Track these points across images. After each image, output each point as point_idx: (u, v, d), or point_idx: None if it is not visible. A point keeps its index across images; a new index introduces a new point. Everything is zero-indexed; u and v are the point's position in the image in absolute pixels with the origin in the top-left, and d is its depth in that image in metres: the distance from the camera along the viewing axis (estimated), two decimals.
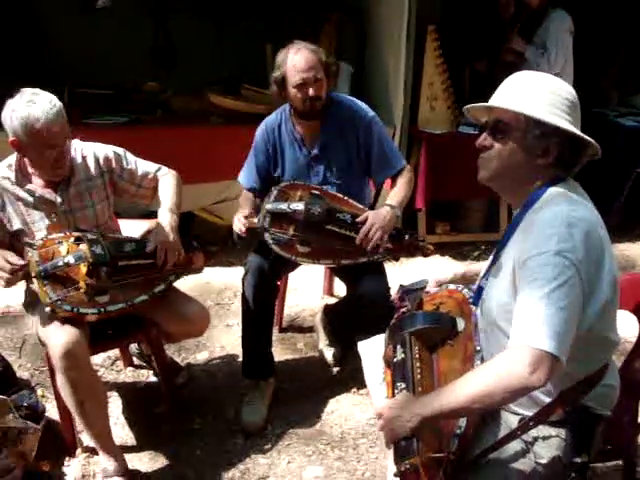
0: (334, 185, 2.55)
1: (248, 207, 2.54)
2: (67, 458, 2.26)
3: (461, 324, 1.57)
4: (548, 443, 1.45)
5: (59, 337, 1.97)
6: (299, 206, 2.36)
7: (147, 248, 2.14)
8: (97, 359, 2.74)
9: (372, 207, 2.67)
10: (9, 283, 1.97)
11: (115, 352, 2.80)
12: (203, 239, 2.42)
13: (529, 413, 1.44)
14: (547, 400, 1.42)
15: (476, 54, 4.21)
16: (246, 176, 2.68)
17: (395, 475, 1.36)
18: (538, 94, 1.42)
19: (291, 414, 2.52)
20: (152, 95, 4.07)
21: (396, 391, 1.47)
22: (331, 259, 2.43)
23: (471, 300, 1.64)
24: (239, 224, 2.42)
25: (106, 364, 2.81)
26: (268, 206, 2.38)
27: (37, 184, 2.13)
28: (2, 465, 1.78)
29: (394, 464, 1.36)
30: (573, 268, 1.29)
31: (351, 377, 2.68)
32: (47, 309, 1.99)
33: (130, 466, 2.19)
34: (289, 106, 2.54)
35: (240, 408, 2.48)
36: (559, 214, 1.35)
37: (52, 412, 2.33)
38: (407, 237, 2.47)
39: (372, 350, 1.88)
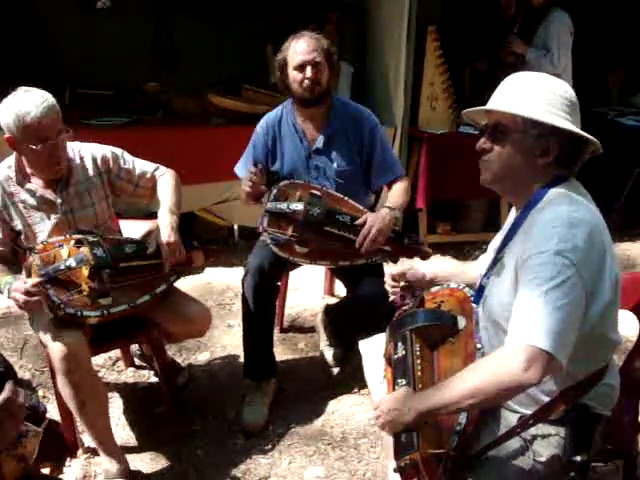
0: (332, 182, 2.55)
1: None
2: (68, 459, 2.27)
3: (462, 322, 1.57)
4: (547, 441, 1.45)
5: (60, 339, 1.98)
6: (298, 206, 2.36)
7: (148, 250, 2.14)
8: (98, 360, 2.74)
9: (372, 209, 2.67)
10: (26, 305, 1.93)
11: (116, 353, 2.81)
12: (203, 239, 2.41)
13: (529, 412, 1.44)
14: (547, 399, 1.43)
15: (476, 54, 4.21)
16: (243, 167, 2.68)
17: (395, 470, 1.36)
18: (535, 95, 1.43)
19: (292, 414, 2.53)
20: (153, 96, 4.08)
21: (396, 387, 1.47)
22: (329, 260, 2.44)
23: (472, 298, 1.64)
24: (247, 182, 2.42)
25: (107, 365, 2.81)
26: (267, 205, 2.38)
27: (37, 184, 2.14)
28: None
29: (394, 459, 1.36)
30: (573, 268, 1.29)
31: (352, 377, 2.68)
32: (50, 313, 1.99)
33: (131, 466, 2.19)
34: (291, 99, 2.54)
35: (241, 408, 2.49)
36: (561, 214, 1.35)
37: (53, 413, 2.33)
38: (406, 240, 2.47)
39: (373, 349, 1.89)
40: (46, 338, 2.05)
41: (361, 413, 2.54)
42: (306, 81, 2.39)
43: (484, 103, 1.52)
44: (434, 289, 1.81)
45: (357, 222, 2.38)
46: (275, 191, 2.45)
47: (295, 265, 2.65)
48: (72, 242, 2.08)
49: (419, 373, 1.48)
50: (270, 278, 2.47)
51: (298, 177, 2.56)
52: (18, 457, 1.93)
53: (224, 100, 3.82)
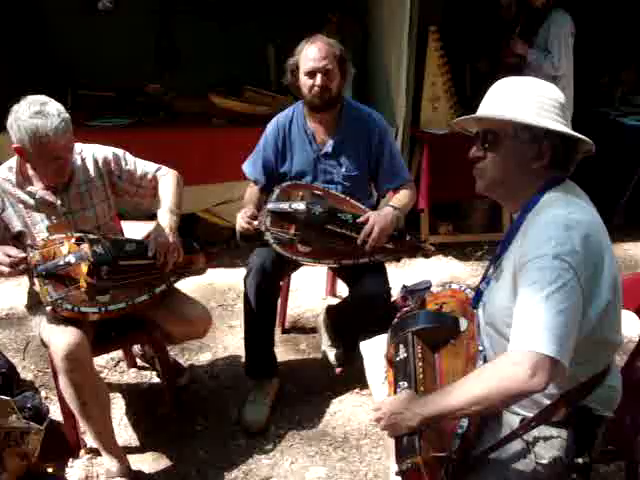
0: (340, 185, 2.56)
1: (253, 205, 2.54)
2: (70, 459, 2.27)
3: (464, 324, 1.57)
4: (549, 444, 1.45)
5: (61, 339, 1.98)
6: (300, 206, 2.37)
7: (149, 252, 2.15)
8: (100, 360, 2.75)
9: (374, 209, 2.67)
10: (10, 275, 1.97)
11: (118, 353, 2.81)
12: (205, 240, 2.41)
13: (530, 414, 1.44)
14: (549, 402, 1.42)
15: (477, 55, 4.21)
16: (252, 167, 2.67)
17: (397, 474, 1.36)
18: (524, 99, 1.42)
19: (294, 415, 2.53)
20: (154, 97, 4.08)
21: (398, 390, 1.47)
22: (332, 259, 2.44)
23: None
24: (242, 222, 2.42)
25: (109, 365, 2.81)
26: (270, 205, 2.39)
27: (38, 186, 2.14)
28: None
29: (396, 463, 1.36)
30: (571, 271, 1.29)
31: (354, 378, 2.68)
32: (48, 309, 2.00)
33: (133, 467, 2.19)
34: (302, 103, 2.54)
35: (242, 407, 2.49)
36: (557, 217, 1.35)
37: (55, 413, 2.34)
38: (408, 238, 2.47)
39: (374, 350, 1.89)
40: (48, 338, 2.05)
41: (363, 414, 2.54)
42: (315, 88, 2.40)
43: None
44: (436, 290, 1.81)
45: (359, 220, 2.38)
46: (277, 191, 2.45)
47: (297, 266, 2.65)
48: (73, 239, 2.09)
49: (420, 375, 1.49)
50: (272, 278, 2.47)
51: (306, 180, 2.57)
52: (21, 455, 1.94)
53: (226, 101, 3.82)
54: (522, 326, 1.30)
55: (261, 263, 2.44)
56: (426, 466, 1.30)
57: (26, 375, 2.74)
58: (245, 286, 2.48)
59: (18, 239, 2.13)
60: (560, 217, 1.35)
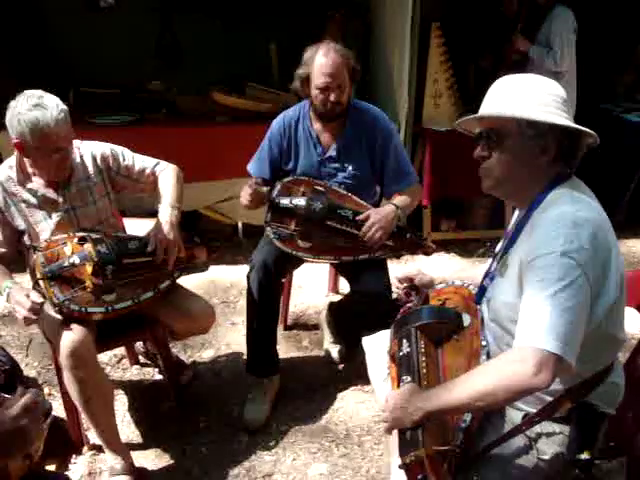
0: (344, 186, 2.54)
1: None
2: (74, 456, 2.28)
3: (467, 319, 1.57)
4: (551, 440, 1.45)
5: (66, 336, 1.99)
6: (301, 201, 2.37)
7: (148, 248, 2.15)
8: (103, 357, 2.76)
9: (376, 207, 2.67)
10: (26, 320, 1.91)
11: (121, 350, 2.82)
12: (207, 235, 2.41)
13: (533, 410, 1.44)
14: (552, 398, 1.42)
15: (480, 51, 4.20)
16: (257, 166, 2.65)
17: (400, 467, 1.36)
18: (525, 96, 1.42)
19: (296, 411, 2.53)
20: (157, 94, 4.08)
21: (401, 384, 1.47)
22: (332, 255, 2.44)
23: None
24: (247, 190, 2.40)
25: (112, 362, 2.82)
26: (270, 200, 2.39)
27: (38, 183, 2.15)
28: None
29: (399, 456, 1.36)
30: (579, 269, 1.28)
31: (356, 374, 2.69)
32: (55, 310, 2.00)
33: (136, 463, 2.20)
34: (309, 103, 2.53)
35: (243, 405, 2.49)
36: (565, 214, 1.35)
37: (59, 410, 2.35)
38: (409, 235, 2.47)
39: (376, 345, 1.89)
40: (52, 335, 2.06)
41: (365, 410, 2.54)
42: (329, 104, 2.39)
43: None
44: (439, 286, 1.81)
45: (359, 218, 2.38)
46: (279, 186, 2.46)
47: (299, 263, 2.65)
48: (75, 239, 2.09)
49: (424, 370, 1.48)
50: (275, 274, 2.47)
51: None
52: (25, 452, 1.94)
53: (228, 98, 3.82)
54: (528, 323, 1.30)
55: (264, 260, 2.44)
56: (429, 460, 1.30)
57: (29, 372, 2.75)
58: (248, 283, 2.48)
59: (21, 238, 2.14)
60: (568, 214, 1.34)
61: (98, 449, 2.27)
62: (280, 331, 2.85)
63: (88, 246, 2.06)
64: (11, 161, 2.15)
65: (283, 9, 4.29)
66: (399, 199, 2.50)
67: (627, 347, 1.95)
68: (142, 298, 2.12)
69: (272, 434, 2.41)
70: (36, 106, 1.95)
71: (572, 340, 1.27)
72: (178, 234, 2.20)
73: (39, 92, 2.01)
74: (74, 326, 2.01)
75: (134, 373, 2.78)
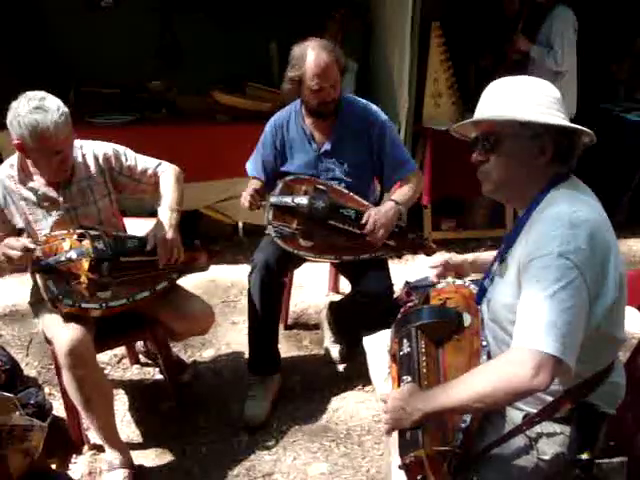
0: (342, 182, 2.55)
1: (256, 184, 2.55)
2: (74, 455, 2.28)
3: (468, 319, 1.56)
4: (552, 440, 1.45)
5: (65, 335, 1.99)
6: (303, 200, 2.37)
7: (147, 247, 2.15)
8: (103, 357, 2.76)
9: (378, 204, 2.67)
10: (20, 260, 1.94)
11: (121, 350, 2.82)
12: (207, 237, 2.42)
13: (534, 410, 1.44)
14: (552, 398, 1.42)
15: (480, 51, 4.20)
16: (253, 166, 2.68)
17: (400, 467, 1.36)
18: (520, 97, 1.42)
19: (296, 411, 2.53)
20: (157, 94, 4.08)
21: (402, 384, 1.47)
22: (334, 254, 2.44)
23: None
24: (247, 196, 2.42)
25: (112, 362, 2.82)
26: (272, 199, 2.39)
27: (39, 182, 2.15)
28: None
29: (399, 456, 1.36)
30: (576, 270, 1.28)
31: (356, 374, 2.69)
32: (48, 304, 2.01)
33: (136, 462, 2.20)
34: (300, 102, 2.53)
35: (243, 403, 2.49)
36: (562, 215, 1.34)
37: (59, 410, 2.35)
38: (410, 235, 2.47)
39: (377, 345, 1.88)
40: (51, 334, 2.06)
41: (365, 410, 2.54)
42: (327, 103, 2.40)
43: None
44: (440, 286, 1.81)
45: (362, 221, 2.38)
46: (281, 185, 2.46)
47: (300, 262, 2.65)
48: (75, 236, 2.09)
49: (424, 370, 1.48)
50: (276, 274, 2.48)
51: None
52: (24, 452, 1.94)
53: (229, 98, 3.82)
54: (526, 324, 1.30)
55: (265, 260, 2.44)
56: (429, 460, 1.30)
57: (29, 372, 2.75)
58: (249, 283, 2.49)
59: (20, 236, 2.14)
60: (565, 215, 1.34)
61: (98, 448, 2.27)
62: (280, 330, 2.84)
63: (86, 242, 2.07)
64: (12, 159, 2.16)
65: (283, 9, 4.29)
66: (399, 194, 2.50)
67: (627, 347, 1.95)
68: (137, 297, 2.12)
69: (272, 433, 2.41)
70: (36, 109, 1.95)
71: (570, 341, 1.27)
72: (177, 236, 2.20)
73: (41, 94, 2.01)
74: (73, 325, 2.01)
75: (134, 373, 2.78)
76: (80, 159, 2.22)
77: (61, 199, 2.16)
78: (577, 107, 3.80)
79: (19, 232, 2.15)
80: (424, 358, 1.51)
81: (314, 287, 3.52)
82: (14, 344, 2.97)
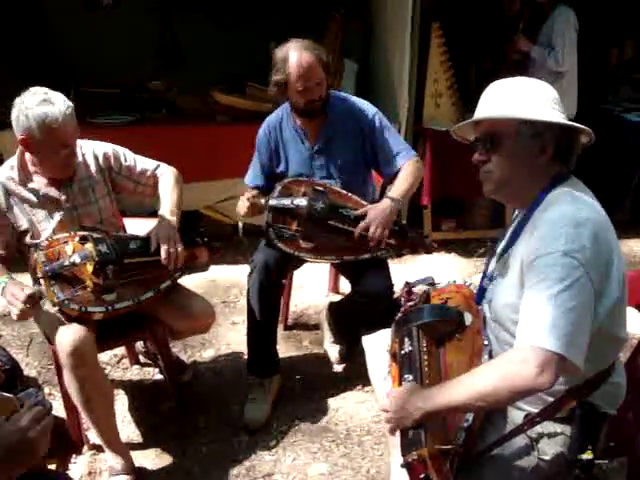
0: (337, 179, 2.55)
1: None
2: (74, 455, 2.28)
3: (469, 318, 1.56)
4: (553, 440, 1.45)
5: (66, 335, 1.99)
6: (302, 202, 2.37)
7: (151, 248, 2.15)
8: (103, 357, 2.75)
9: (379, 200, 2.65)
10: (22, 314, 1.88)
11: (121, 350, 2.81)
12: (207, 235, 2.41)
13: (535, 410, 1.44)
14: (554, 398, 1.42)
15: (481, 51, 4.20)
16: (251, 176, 2.68)
17: (402, 466, 1.36)
18: (519, 96, 1.43)
19: (296, 411, 2.53)
20: (157, 94, 4.08)
21: (403, 383, 1.47)
22: (334, 255, 2.44)
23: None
24: (244, 202, 2.42)
25: (112, 362, 2.82)
26: (272, 202, 2.39)
27: (40, 182, 2.15)
28: None
29: (401, 455, 1.36)
30: (581, 269, 1.28)
31: (356, 374, 2.68)
32: (56, 309, 2.00)
33: (136, 463, 2.20)
34: (289, 103, 2.54)
35: (243, 405, 2.49)
36: (566, 214, 1.34)
37: (59, 410, 2.34)
38: (410, 234, 2.46)
39: (376, 345, 1.89)
40: (52, 334, 2.06)
41: (365, 410, 2.54)
42: (311, 102, 2.40)
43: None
44: (440, 285, 1.81)
45: (357, 213, 2.38)
46: (279, 187, 2.45)
47: (300, 263, 2.65)
48: (77, 239, 2.09)
49: (426, 369, 1.48)
50: (276, 275, 2.48)
51: (304, 177, 2.56)
52: None
53: (229, 98, 3.82)
54: (529, 323, 1.30)
55: (264, 261, 2.44)
56: (431, 459, 1.30)
57: (29, 372, 2.74)
58: (248, 284, 2.48)
59: (22, 238, 2.14)
60: (569, 214, 1.34)
61: (98, 449, 2.26)
62: (280, 331, 2.85)
63: (89, 245, 2.06)
64: (12, 161, 2.15)
65: (283, 9, 4.30)
66: (395, 188, 2.47)
67: (627, 347, 1.95)
68: (142, 298, 2.12)
69: (272, 434, 2.41)
70: (44, 101, 1.96)
71: (576, 340, 1.26)
72: (178, 237, 2.20)
73: (43, 89, 2.02)
74: (74, 325, 2.01)
75: (134, 373, 2.78)
76: (80, 158, 2.22)
77: (63, 198, 2.16)
78: (578, 107, 3.81)
79: (22, 234, 2.15)
80: (425, 357, 1.51)
81: (314, 287, 3.52)
82: (14, 344, 2.97)
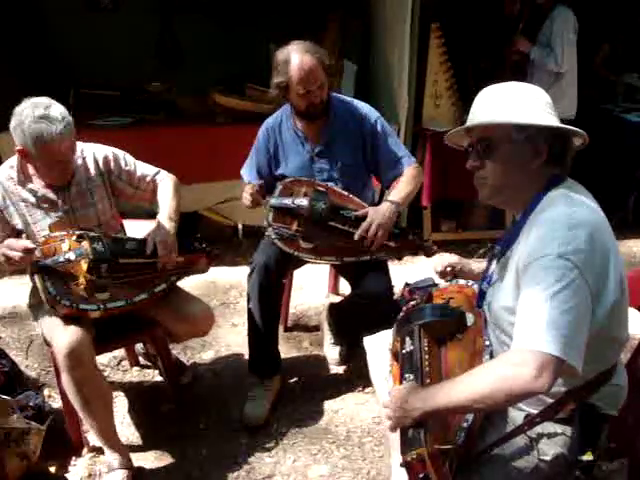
0: (337, 183, 2.55)
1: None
2: (73, 457, 2.27)
3: (470, 319, 1.56)
4: (553, 441, 1.44)
5: (64, 337, 1.98)
6: (303, 202, 2.37)
7: (147, 250, 2.15)
8: (103, 359, 2.75)
9: (377, 203, 2.65)
10: (22, 260, 1.93)
11: (121, 352, 2.81)
12: (207, 239, 2.41)
13: (535, 411, 1.43)
14: (554, 399, 1.42)
15: (480, 52, 4.20)
16: (247, 172, 2.68)
17: (401, 465, 1.35)
18: (511, 101, 1.43)
19: (296, 413, 2.52)
20: (157, 95, 4.08)
21: (404, 382, 1.47)
22: (334, 256, 2.43)
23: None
24: (247, 194, 2.42)
25: (112, 364, 2.82)
26: (272, 201, 2.39)
27: (38, 184, 2.15)
28: None
29: (400, 454, 1.36)
30: (576, 270, 1.27)
31: (356, 376, 2.68)
32: (46, 305, 2.00)
33: (136, 465, 2.20)
34: (290, 105, 2.53)
35: (243, 403, 2.49)
36: (560, 216, 1.34)
37: (59, 412, 2.34)
38: (411, 236, 2.46)
39: (377, 345, 1.89)
40: (50, 336, 2.06)
41: (365, 412, 2.53)
42: (312, 105, 2.40)
43: None
44: (442, 285, 1.81)
45: (357, 214, 2.37)
46: (280, 187, 2.45)
47: (300, 263, 2.65)
48: (74, 237, 2.09)
49: (427, 368, 1.48)
50: (276, 276, 2.47)
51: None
52: (21, 455, 1.94)
53: (228, 99, 3.82)
54: (526, 325, 1.29)
55: (264, 261, 2.44)
56: (431, 458, 1.29)
57: (29, 374, 2.74)
58: (248, 284, 2.48)
59: (19, 237, 2.14)
60: (564, 216, 1.34)
61: (98, 451, 2.26)
62: (280, 332, 2.84)
63: (85, 243, 2.06)
64: (12, 161, 2.15)
65: (282, 9, 4.30)
66: (396, 193, 2.47)
67: (628, 347, 1.94)
68: (136, 299, 2.12)
69: (272, 435, 2.41)
70: (41, 118, 1.95)
71: (573, 342, 1.26)
72: (175, 242, 2.19)
73: (45, 101, 2.01)
74: (72, 327, 2.01)
75: (134, 375, 2.78)
76: (80, 161, 2.22)
77: (60, 201, 2.16)
78: (577, 107, 3.80)
79: (18, 233, 2.15)
80: (427, 357, 1.50)
81: (314, 288, 3.52)
82: (14, 346, 2.97)
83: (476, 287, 1.70)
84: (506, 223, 4.04)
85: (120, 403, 2.56)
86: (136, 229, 2.43)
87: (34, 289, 2.21)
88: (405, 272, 3.50)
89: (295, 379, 2.73)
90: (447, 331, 1.57)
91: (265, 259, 2.44)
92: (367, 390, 2.61)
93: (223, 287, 3.55)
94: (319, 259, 2.46)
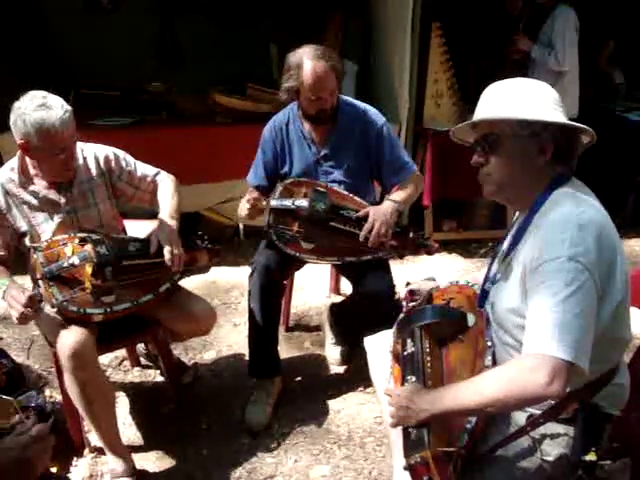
0: (341, 185, 2.54)
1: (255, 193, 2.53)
2: (75, 458, 2.27)
3: (471, 319, 1.56)
4: (556, 441, 1.44)
5: (67, 337, 1.98)
6: (303, 203, 2.36)
7: (151, 249, 2.14)
8: (104, 359, 2.75)
9: (378, 204, 2.65)
10: (23, 317, 1.87)
11: (122, 352, 2.81)
12: (208, 238, 2.41)
13: (538, 411, 1.43)
14: (557, 400, 1.41)
15: (481, 51, 4.19)
16: (253, 174, 2.66)
17: (405, 468, 1.35)
18: (518, 97, 1.42)
19: (298, 413, 2.52)
20: (157, 95, 4.07)
21: (406, 384, 1.46)
22: (335, 256, 2.43)
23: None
24: (245, 204, 2.41)
25: (113, 364, 2.81)
26: (273, 202, 2.38)
27: (40, 185, 2.14)
28: None
29: (404, 457, 1.35)
30: (586, 272, 1.27)
31: (358, 376, 2.68)
32: (54, 310, 2.00)
33: (137, 466, 2.19)
34: (297, 106, 2.53)
35: (245, 407, 2.49)
36: (569, 216, 1.33)
37: (60, 413, 2.34)
38: (412, 235, 2.46)
39: (378, 345, 1.88)
40: (53, 337, 2.05)
41: (367, 412, 2.53)
42: (324, 111, 2.40)
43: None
44: (443, 286, 1.80)
45: (358, 214, 2.37)
46: (280, 188, 2.45)
47: (301, 264, 2.65)
48: (76, 240, 2.09)
49: (429, 370, 1.47)
50: (277, 276, 2.47)
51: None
52: None
53: (229, 99, 3.81)
54: (538, 330, 1.28)
55: (265, 262, 2.43)
56: (435, 461, 1.29)
57: (30, 374, 2.73)
58: (249, 285, 2.48)
59: (22, 239, 2.14)
60: (572, 216, 1.33)
61: (99, 452, 2.26)
62: (281, 332, 2.85)
63: (88, 247, 2.06)
64: (12, 163, 2.15)
65: (283, 9, 4.29)
66: (398, 194, 2.49)
67: (630, 347, 1.94)
68: (141, 300, 2.12)
69: (274, 436, 2.41)
70: (41, 106, 1.95)
71: (583, 345, 1.26)
72: (178, 240, 2.19)
73: (43, 93, 2.01)
74: (75, 328, 2.00)
75: (135, 375, 2.78)
76: (81, 161, 2.22)
77: (63, 201, 2.15)
78: (579, 106, 3.80)
79: (21, 236, 2.14)
80: (428, 358, 1.50)
81: (315, 289, 3.52)
82: (15, 347, 2.97)
83: (476, 287, 1.69)
84: (507, 223, 4.03)
85: (121, 403, 2.56)
86: (137, 229, 2.43)
87: (35, 288, 2.21)
88: (407, 271, 3.51)
89: (296, 379, 2.73)
90: (448, 332, 1.57)
91: (266, 260, 2.44)
92: (368, 390, 2.60)
93: (224, 287, 3.54)
94: (321, 259, 2.46)
